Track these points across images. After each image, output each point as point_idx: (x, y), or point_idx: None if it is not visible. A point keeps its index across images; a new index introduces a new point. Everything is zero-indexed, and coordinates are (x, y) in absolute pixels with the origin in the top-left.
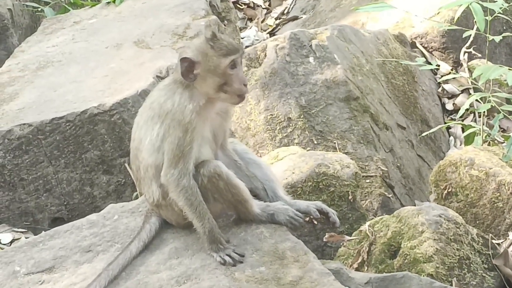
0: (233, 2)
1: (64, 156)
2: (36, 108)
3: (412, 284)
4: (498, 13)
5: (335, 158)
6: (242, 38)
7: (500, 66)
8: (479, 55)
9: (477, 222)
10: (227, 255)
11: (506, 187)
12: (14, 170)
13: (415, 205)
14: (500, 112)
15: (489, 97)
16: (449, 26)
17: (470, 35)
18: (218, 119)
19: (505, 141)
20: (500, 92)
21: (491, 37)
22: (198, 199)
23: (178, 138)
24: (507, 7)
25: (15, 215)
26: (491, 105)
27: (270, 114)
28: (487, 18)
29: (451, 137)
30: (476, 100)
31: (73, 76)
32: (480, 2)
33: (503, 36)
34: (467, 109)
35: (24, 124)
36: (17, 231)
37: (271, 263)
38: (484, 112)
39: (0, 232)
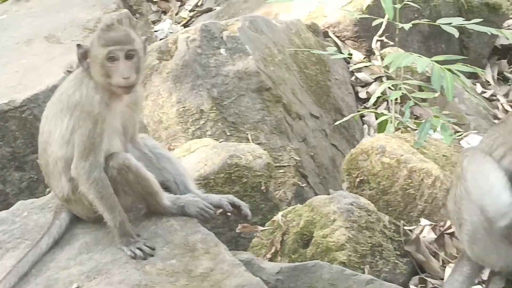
0: None
1: None
2: None
3: (323, 272)
4: (408, 1)
5: (247, 149)
6: (156, 31)
7: (411, 54)
8: (392, 43)
9: (390, 209)
10: (137, 248)
11: (417, 174)
12: None
13: (329, 194)
14: (411, 99)
15: (400, 84)
16: (360, 14)
17: (382, 23)
18: (128, 111)
19: (418, 128)
20: (411, 79)
21: (400, 25)
22: (109, 192)
23: (88, 130)
24: None
25: None
26: (402, 93)
27: (182, 107)
28: (396, 6)
29: (365, 125)
30: (389, 88)
31: None
32: None
33: (412, 24)
34: (379, 97)
35: None
36: None
37: (182, 256)
38: (397, 99)
39: None
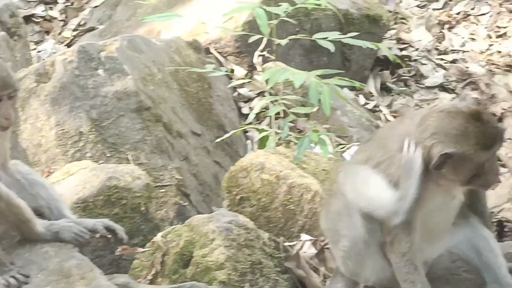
0: (28, 16)
1: None
2: None
3: None
4: (284, 17)
5: (126, 171)
6: (39, 52)
7: (288, 69)
8: (273, 57)
9: (271, 225)
10: (11, 277)
11: (297, 189)
12: None
13: (212, 211)
14: (290, 115)
15: (279, 100)
16: (237, 31)
17: (262, 38)
18: None
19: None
20: (291, 95)
21: (277, 41)
22: None
23: None
24: (298, 8)
25: None
26: (282, 108)
27: (61, 129)
28: (273, 22)
29: (248, 141)
30: (272, 103)
31: None
32: (264, 6)
33: (289, 39)
34: (260, 112)
35: None
36: None
37: (56, 282)
38: (279, 114)
39: None
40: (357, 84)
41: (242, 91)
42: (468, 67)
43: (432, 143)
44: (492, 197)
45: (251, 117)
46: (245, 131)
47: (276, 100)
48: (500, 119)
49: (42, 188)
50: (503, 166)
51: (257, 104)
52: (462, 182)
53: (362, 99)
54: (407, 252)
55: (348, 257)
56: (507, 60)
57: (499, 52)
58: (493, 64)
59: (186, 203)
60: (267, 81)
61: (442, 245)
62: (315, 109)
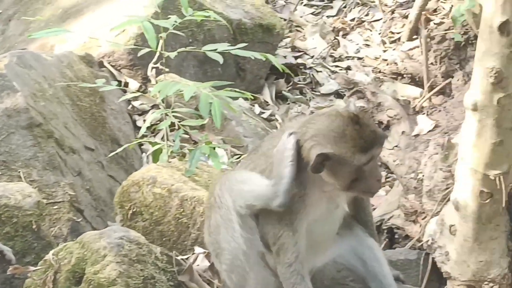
0: None
1: None
2: None
3: None
4: (175, 29)
5: (16, 189)
6: None
7: (178, 82)
8: (167, 69)
9: (164, 239)
10: None
11: (189, 202)
12: None
13: (107, 226)
14: (181, 128)
15: (169, 113)
16: (127, 45)
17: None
18: None
19: None
20: (184, 107)
21: (166, 54)
22: None
23: None
24: (190, 19)
25: None
26: (172, 121)
27: None
28: (162, 35)
29: (144, 154)
30: (164, 115)
31: None
32: (152, 20)
33: (178, 52)
34: (154, 126)
35: None
36: None
37: None
38: (174, 127)
39: None
40: (248, 95)
41: (137, 104)
42: (353, 76)
43: (311, 145)
44: (383, 205)
45: (142, 130)
46: (141, 145)
47: (167, 113)
48: (387, 127)
49: None
50: (392, 173)
51: (149, 117)
52: (343, 187)
53: (257, 109)
54: (293, 262)
55: (230, 270)
56: (393, 68)
57: (385, 60)
58: (380, 72)
59: (80, 219)
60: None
61: (327, 255)
62: (206, 121)
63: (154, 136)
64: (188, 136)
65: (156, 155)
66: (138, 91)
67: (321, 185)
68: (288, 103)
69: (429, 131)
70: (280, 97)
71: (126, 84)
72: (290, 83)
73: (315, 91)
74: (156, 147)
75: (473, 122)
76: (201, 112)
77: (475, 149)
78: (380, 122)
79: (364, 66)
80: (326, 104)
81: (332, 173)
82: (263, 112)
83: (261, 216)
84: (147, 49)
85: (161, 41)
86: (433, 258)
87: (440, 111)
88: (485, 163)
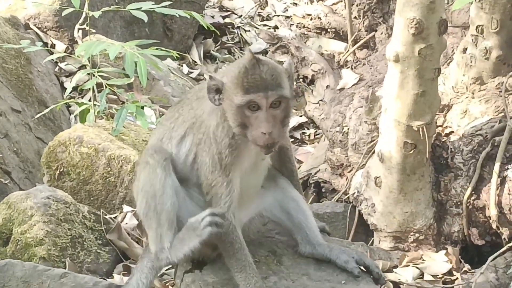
0: None
1: None
2: None
3: (15, 270)
4: None
5: None
6: None
7: (103, 41)
8: (94, 30)
9: (92, 199)
10: None
11: (116, 161)
12: None
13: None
14: (107, 87)
15: (95, 73)
16: (51, 5)
17: (82, 12)
18: None
19: None
20: (110, 66)
21: (91, 13)
22: None
23: None
24: None
25: None
26: (99, 82)
27: None
28: None
29: (72, 116)
30: (90, 75)
31: None
32: None
33: (102, 11)
34: (79, 87)
35: None
36: None
37: None
38: (102, 87)
39: None
40: (174, 53)
41: (63, 65)
42: (278, 32)
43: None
44: (310, 159)
45: (68, 91)
46: (68, 106)
47: (93, 73)
48: (312, 81)
49: None
50: (318, 127)
51: (74, 77)
52: (235, 129)
53: (185, 68)
54: (226, 211)
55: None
56: (317, 23)
57: (309, 15)
58: (305, 27)
59: (7, 181)
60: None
61: (252, 209)
62: (132, 80)
63: (82, 97)
64: (116, 97)
65: (83, 116)
66: (65, 52)
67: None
68: (217, 63)
69: (354, 84)
70: (208, 57)
71: (53, 46)
72: (219, 43)
73: (243, 51)
74: (83, 107)
75: (395, 73)
76: (126, 71)
77: (398, 100)
78: (305, 77)
79: (291, 24)
80: None
81: (225, 109)
82: (192, 72)
83: (197, 165)
84: (72, 9)
85: (86, 1)
86: (359, 211)
87: (364, 64)
88: (408, 114)
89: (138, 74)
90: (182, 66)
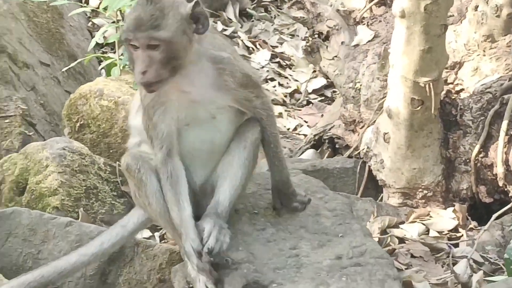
0: None
1: None
2: None
3: (22, 218)
4: None
5: None
6: None
7: None
8: None
9: (111, 151)
10: None
11: None
12: None
13: None
14: None
15: (120, 27)
16: None
17: None
18: None
19: None
20: None
21: None
22: None
23: None
24: None
25: None
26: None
27: None
28: None
29: (103, 70)
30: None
31: None
32: None
33: None
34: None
35: None
36: None
37: None
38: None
39: None
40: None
41: (97, 21)
42: None
43: None
44: (326, 115)
45: (91, 45)
46: (100, 60)
47: (118, 27)
48: (327, 38)
49: None
50: (333, 84)
51: (99, 32)
52: (131, 65)
53: (220, 26)
54: (158, 152)
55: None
56: None
57: None
58: None
59: (32, 133)
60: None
61: (208, 168)
62: None
63: (114, 52)
64: None
65: (108, 69)
66: (97, 8)
67: None
68: (253, 21)
69: (369, 41)
70: (244, 15)
71: (87, 2)
72: (255, 1)
73: (280, 9)
74: (109, 61)
75: (402, 29)
76: None
77: (404, 56)
78: (320, 33)
79: None
80: (290, 21)
81: None
82: (226, 30)
83: None
84: None
85: None
86: (369, 166)
87: (380, 21)
88: (415, 70)
89: None
90: (216, 23)
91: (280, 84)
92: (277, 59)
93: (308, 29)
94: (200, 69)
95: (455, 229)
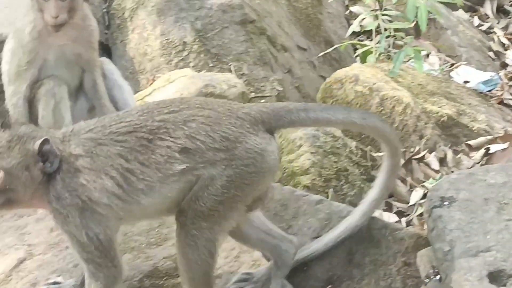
0: None
1: None
2: None
3: (274, 193)
4: None
5: (222, 79)
6: None
7: None
8: None
9: (362, 136)
10: None
11: (389, 102)
12: None
13: None
14: (386, 30)
15: (380, 16)
16: None
17: None
18: (71, 45)
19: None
20: (391, 10)
21: None
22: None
23: (18, 58)
24: None
25: None
26: (379, 23)
27: (166, 39)
28: None
29: (358, 58)
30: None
31: None
32: None
33: None
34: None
35: None
36: None
37: None
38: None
39: None
40: (458, 1)
41: (354, 9)
42: None
43: None
44: None
45: (349, 32)
46: (355, 48)
47: (377, 16)
48: None
49: (119, 90)
50: None
51: (357, 20)
52: None
53: (476, 21)
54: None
55: None
56: None
57: None
58: None
59: None
60: None
61: None
62: (411, 25)
63: (371, 40)
64: (402, 42)
65: (364, 57)
66: None
67: None
68: (510, 18)
69: None
70: (502, 11)
71: None
72: None
73: None
74: (365, 48)
75: None
76: (407, 15)
77: None
78: None
79: None
80: None
81: None
82: (482, 25)
83: None
84: None
85: None
86: None
87: None
88: None
89: (418, 18)
90: (473, 18)
91: None
92: None
93: None
94: None
95: None
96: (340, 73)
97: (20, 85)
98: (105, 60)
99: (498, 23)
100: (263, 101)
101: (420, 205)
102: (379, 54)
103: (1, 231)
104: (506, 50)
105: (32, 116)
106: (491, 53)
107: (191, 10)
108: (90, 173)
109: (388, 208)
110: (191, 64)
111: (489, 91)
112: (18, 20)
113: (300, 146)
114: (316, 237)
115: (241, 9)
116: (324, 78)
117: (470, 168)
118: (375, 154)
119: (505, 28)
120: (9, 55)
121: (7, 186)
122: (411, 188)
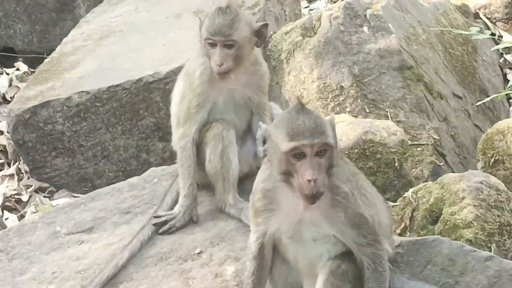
0: None
1: (121, 123)
2: (95, 76)
3: (442, 247)
4: None
5: (382, 126)
6: (311, 10)
7: None
8: None
9: None
10: None
11: None
12: (73, 136)
13: None
14: None
15: None
16: None
17: None
18: (241, 90)
19: None
20: None
21: None
22: (187, 163)
23: (188, 100)
24: None
25: (74, 181)
26: None
27: (323, 83)
28: None
29: (511, 107)
30: None
31: (133, 45)
32: None
33: None
34: None
35: (82, 91)
36: (76, 197)
37: None
38: None
39: (60, 197)
40: None
41: (509, 57)
42: None
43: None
44: None
45: (511, 83)
46: (509, 98)
47: None
48: None
49: None
50: None
51: None
52: (278, 175)
53: None
54: None
55: None
56: None
57: None
58: None
59: (442, 163)
60: None
61: None
62: None
63: None
64: None
65: None
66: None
67: None
68: None
69: None
70: None
71: (500, 37)
72: None
73: None
74: None
75: None
76: None
77: None
78: None
79: None
80: None
81: (271, 156)
82: None
83: None
84: None
85: None
86: None
87: None
88: None
89: None
90: None
91: None
92: None
93: None
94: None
95: None
96: (502, 124)
97: (189, 128)
98: (273, 104)
99: None
100: (419, 149)
101: None
102: None
103: (166, 274)
104: None
105: (199, 159)
106: None
107: (349, 55)
108: None
109: None
110: (348, 109)
111: None
112: (188, 62)
113: (463, 198)
114: None
115: (399, 54)
116: (478, 127)
117: None
118: None
119: None
120: (178, 97)
121: None
122: None
